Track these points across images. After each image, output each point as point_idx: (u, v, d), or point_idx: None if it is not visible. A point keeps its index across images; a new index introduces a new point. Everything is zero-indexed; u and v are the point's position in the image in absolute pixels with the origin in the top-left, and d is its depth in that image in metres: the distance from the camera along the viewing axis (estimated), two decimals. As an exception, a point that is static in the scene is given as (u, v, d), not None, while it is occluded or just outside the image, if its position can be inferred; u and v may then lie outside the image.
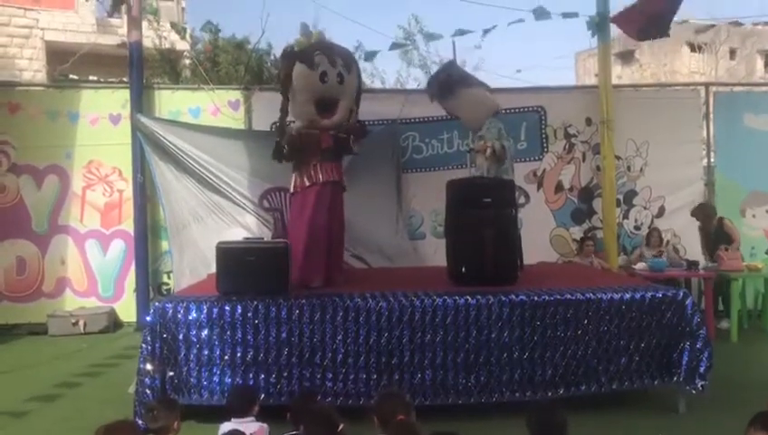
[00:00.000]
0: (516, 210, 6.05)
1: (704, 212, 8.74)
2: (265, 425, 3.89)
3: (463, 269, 5.70)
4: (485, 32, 8.93)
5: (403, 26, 15.92)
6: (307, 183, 5.91)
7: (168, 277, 8.79)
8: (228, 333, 4.92)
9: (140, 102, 8.66)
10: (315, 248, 5.84)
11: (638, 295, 5.15)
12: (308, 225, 5.89)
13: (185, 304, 4.97)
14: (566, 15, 8.82)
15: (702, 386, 5.07)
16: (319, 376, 4.92)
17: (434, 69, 17.43)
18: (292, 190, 6.09)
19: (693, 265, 8.17)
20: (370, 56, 9.80)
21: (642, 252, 8.66)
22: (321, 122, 5.94)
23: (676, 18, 8.11)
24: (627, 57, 33.03)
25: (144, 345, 4.91)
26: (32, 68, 16.00)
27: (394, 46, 9.31)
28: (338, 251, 6.26)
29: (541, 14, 8.67)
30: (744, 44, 30.55)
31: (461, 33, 8.91)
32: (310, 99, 5.90)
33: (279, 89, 6.34)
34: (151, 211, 8.76)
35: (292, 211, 6.24)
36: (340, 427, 3.36)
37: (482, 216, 5.64)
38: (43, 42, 16.24)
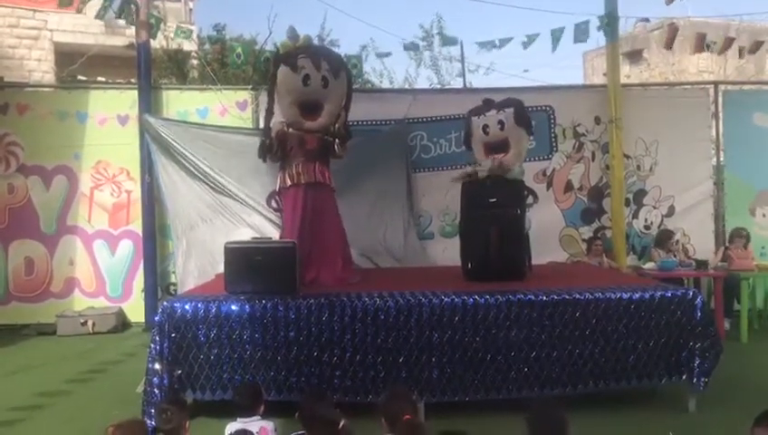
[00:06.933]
0: (522, 210, 6.02)
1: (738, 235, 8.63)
2: (271, 423, 3.89)
3: (469, 265, 6.00)
4: (501, 42, 8.96)
5: (424, 26, 15.91)
6: (288, 182, 6.04)
7: (176, 277, 8.79)
8: (237, 332, 4.92)
9: (148, 103, 8.70)
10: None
11: (647, 295, 5.11)
12: (288, 225, 6.02)
13: (193, 304, 4.97)
14: (579, 26, 8.76)
15: (704, 383, 5.08)
16: (327, 374, 4.92)
17: (445, 67, 17.54)
18: (277, 188, 6.23)
19: (702, 264, 8.12)
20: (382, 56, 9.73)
21: (654, 253, 8.58)
22: (305, 124, 6.05)
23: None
24: (635, 56, 32.90)
25: (152, 345, 4.92)
26: (40, 69, 16.07)
27: (408, 47, 9.28)
28: (337, 251, 6.22)
29: (556, 36, 8.73)
30: (753, 43, 30.32)
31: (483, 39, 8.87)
32: (293, 101, 6.03)
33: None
34: (159, 212, 8.76)
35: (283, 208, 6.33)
36: (341, 423, 3.33)
37: (488, 215, 5.90)
38: (51, 43, 16.31)
